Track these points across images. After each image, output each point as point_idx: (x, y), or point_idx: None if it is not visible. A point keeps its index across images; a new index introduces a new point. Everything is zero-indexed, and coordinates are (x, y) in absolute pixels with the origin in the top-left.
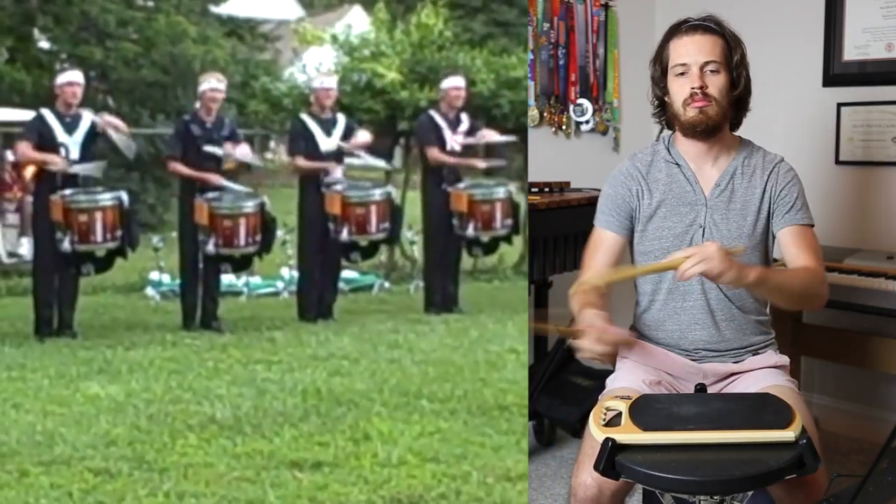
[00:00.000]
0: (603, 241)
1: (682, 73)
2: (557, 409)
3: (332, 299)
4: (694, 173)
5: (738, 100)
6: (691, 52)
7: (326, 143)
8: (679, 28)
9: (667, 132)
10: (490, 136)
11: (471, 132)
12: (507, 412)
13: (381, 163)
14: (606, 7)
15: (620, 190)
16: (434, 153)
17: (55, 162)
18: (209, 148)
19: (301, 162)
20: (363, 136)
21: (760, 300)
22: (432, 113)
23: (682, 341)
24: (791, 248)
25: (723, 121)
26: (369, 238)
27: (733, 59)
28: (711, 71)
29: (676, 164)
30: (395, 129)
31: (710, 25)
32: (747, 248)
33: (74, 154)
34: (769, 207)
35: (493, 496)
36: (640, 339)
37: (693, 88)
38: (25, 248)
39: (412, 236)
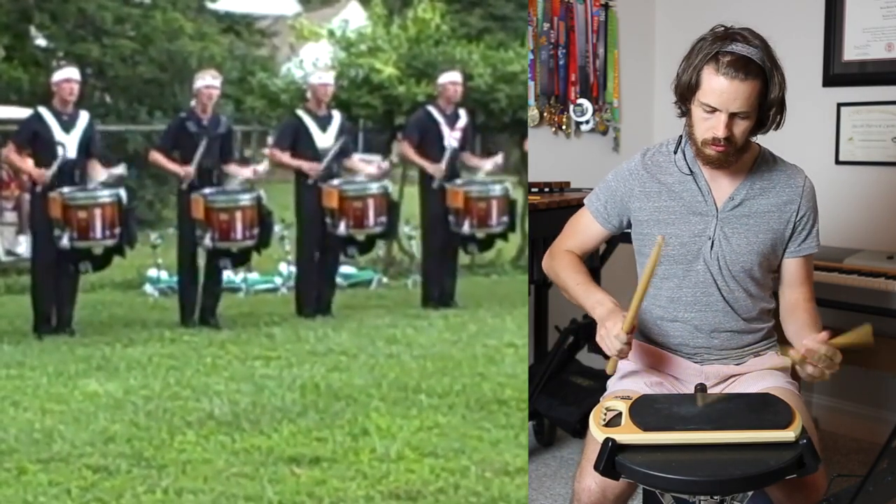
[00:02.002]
0: (588, 227)
1: (709, 112)
2: (557, 409)
3: (329, 295)
4: (707, 183)
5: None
6: (725, 99)
7: (322, 140)
8: (718, 58)
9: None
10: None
11: (468, 127)
12: (505, 406)
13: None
14: (606, 7)
15: (621, 187)
16: (402, 148)
17: (39, 174)
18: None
19: (280, 156)
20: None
21: (766, 311)
22: (430, 108)
23: (683, 347)
24: (795, 276)
25: (740, 156)
26: (366, 232)
27: (768, 97)
28: (741, 118)
29: (691, 172)
30: (393, 124)
31: (752, 62)
32: (753, 264)
33: (72, 153)
34: (791, 230)
35: (492, 490)
36: (641, 340)
37: (716, 137)
38: (23, 246)
39: (410, 231)
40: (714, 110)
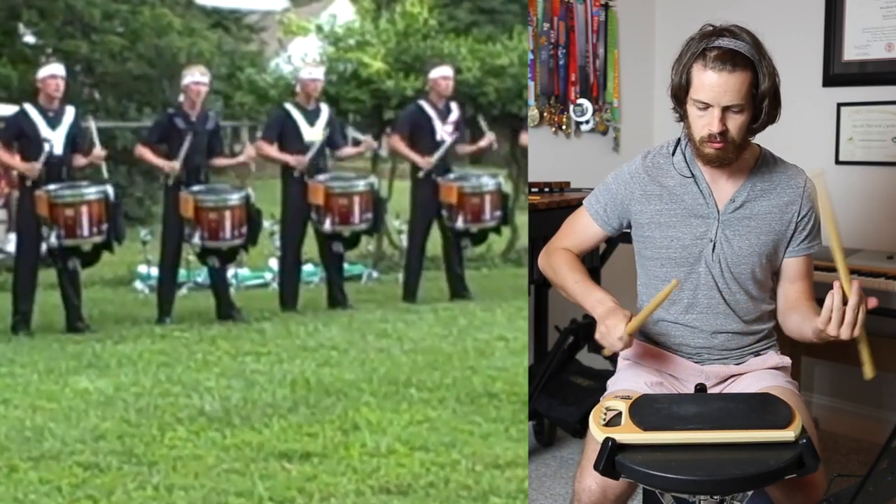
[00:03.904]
0: (587, 228)
1: (702, 109)
2: (557, 409)
3: (339, 286)
4: (708, 185)
5: (760, 126)
6: (716, 93)
7: (310, 134)
8: (705, 54)
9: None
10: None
11: (460, 120)
12: (495, 400)
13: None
14: (606, 7)
15: (621, 190)
16: (392, 141)
17: (28, 168)
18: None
19: (267, 149)
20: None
21: (767, 313)
22: (422, 103)
23: (683, 346)
24: (795, 273)
25: (739, 153)
26: (352, 229)
27: (759, 89)
28: (734, 112)
29: (691, 174)
30: (381, 118)
31: (739, 54)
32: (755, 266)
33: (58, 149)
34: (793, 231)
35: (482, 484)
36: (641, 340)
37: (712, 133)
38: (13, 244)
39: (400, 225)
40: (707, 106)
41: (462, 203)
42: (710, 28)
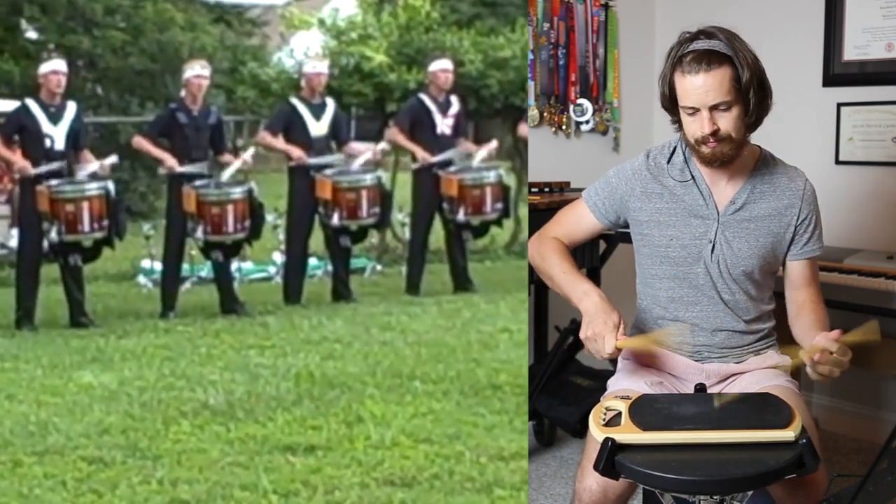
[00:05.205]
0: (581, 218)
1: (691, 114)
2: (557, 409)
3: (345, 279)
4: (708, 186)
5: (755, 120)
6: (699, 95)
7: (316, 128)
8: (682, 60)
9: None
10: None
11: (460, 113)
12: (500, 392)
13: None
14: (606, 7)
15: (622, 185)
16: (392, 134)
17: (24, 167)
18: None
19: (270, 140)
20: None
21: (766, 313)
22: (422, 96)
23: (683, 345)
24: (799, 278)
25: (739, 151)
26: (360, 223)
27: (743, 81)
28: (722, 109)
29: (691, 176)
30: (384, 112)
31: (714, 52)
32: (754, 268)
33: (60, 145)
34: (793, 233)
35: (487, 476)
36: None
37: (704, 134)
38: (16, 240)
39: (403, 218)
40: (695, 111)
41: (463, 195)
42: (686, 34)
